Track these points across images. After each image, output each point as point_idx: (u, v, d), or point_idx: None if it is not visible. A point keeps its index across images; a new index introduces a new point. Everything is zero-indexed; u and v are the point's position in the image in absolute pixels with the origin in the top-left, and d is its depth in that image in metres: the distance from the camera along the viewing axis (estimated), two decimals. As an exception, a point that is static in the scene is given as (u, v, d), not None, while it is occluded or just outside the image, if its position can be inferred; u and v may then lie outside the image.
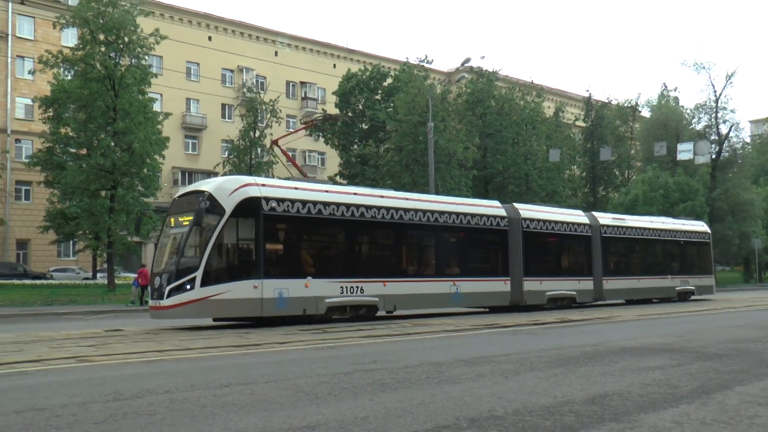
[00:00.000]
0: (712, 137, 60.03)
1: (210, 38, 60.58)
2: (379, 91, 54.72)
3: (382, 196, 20.36)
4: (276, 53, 64.82)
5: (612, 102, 69.09)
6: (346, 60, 68.04)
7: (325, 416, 5.74)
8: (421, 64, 54.20)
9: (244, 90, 53.33)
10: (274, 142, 22.91)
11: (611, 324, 17.25)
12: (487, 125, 54.34)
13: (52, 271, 48.47)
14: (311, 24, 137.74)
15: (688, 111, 62.33)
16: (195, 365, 9.74)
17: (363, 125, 55.17)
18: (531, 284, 23.72)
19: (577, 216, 27.21)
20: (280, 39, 66.10)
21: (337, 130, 55.08)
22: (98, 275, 46.09)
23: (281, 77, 62.85)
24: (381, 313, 19.62)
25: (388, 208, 19.96)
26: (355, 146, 54.81)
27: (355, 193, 19.76)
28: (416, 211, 20.71)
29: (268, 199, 17.10)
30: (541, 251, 25.39)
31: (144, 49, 37.99)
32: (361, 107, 54.38)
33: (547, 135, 58.25)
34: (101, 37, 36.76)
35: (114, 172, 35.86)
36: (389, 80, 54.54)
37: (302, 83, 66.40)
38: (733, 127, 61.44)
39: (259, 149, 47.58)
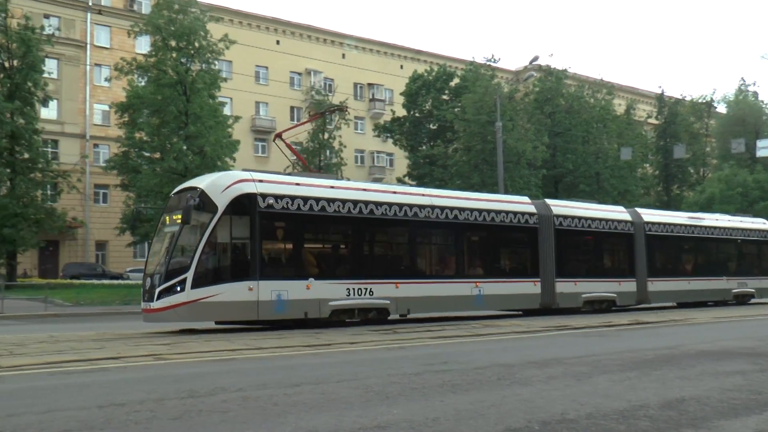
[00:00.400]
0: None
1: (278, 42, 61.30)
2: (447, 91, 54.56)
3: (395, 192, 19.38)
4: (343, 55, 65.21)
5: (686, 98, 67.44)
6: (413, 60, 68.02)
7: (395, 416, 5.74)
8: (488, 63, 53.83)
9: (312, 93, 53.81)
10: (278, 135, 22.12)
11: (686, 326, 16.82)
12: (556, 124, 53.64)
13: (128, 271, 49.74)
14: (378, 25, 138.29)
15: (768, 106, 60.45)
16: (266, 364, 9.86)
17: (431, 125, 55.09)
18: (564, 286, 22.29)
19: (617, 213, 25.56)
20: (348, 41, 66.48)
21: (405, 131, 55.12)
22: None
23: (349, 79, 63.19)
24: (394, 316, 18.60)
25: (401, 205, 18.79)
26: (423, 147, 54.73)
27: (365, 189, 18.80)
28: (433, 207, 19.50)
29: (265, 196, 16.18)
30: (576, 250, 24.02)
31: (214, 54, 38.73)
32: (428, 107, 54.30)
33: (618, 133, 57.16)
34: (173, 43, 37.62)
35: (186, 175, 36.53)
36: (456, 80, 54.31)
37: (370, 85, 66.63)
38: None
39: (327, 151, 47.93)
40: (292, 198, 16.65)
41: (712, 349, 11.09)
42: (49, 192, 41.73)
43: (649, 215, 26.81)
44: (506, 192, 37.05)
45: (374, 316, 17.93)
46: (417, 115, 54.61)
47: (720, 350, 10.86)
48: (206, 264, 15.45)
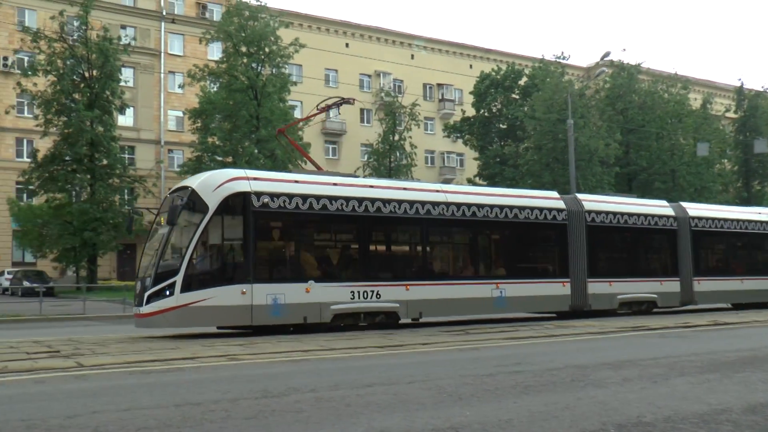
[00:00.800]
0: None
1: (347, 45, 61.72)
2: (516, 90, 54.09)
3: (405, 189, 18.03)
4: (412, 56, 65.27)
5: (767, 91, 65.26)
6: (482, 60, 67.63)
7: (468, 418, 5.71)
8: (558, 60, 53.15)
9: (382, 94, 54.00)
10: (280, 131, 21.34)
11: (769, 326, 16.27)
12: (629, 120, 52.56)
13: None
14: (447, 25, 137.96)
15: None
16: (339, 365, 9.93)
17: (500, 125, 54.69)
18: (597, 286, 20.75)
19: (658, 207, 23.72)
20: (416, 42, 66.51)
21: (475, 131, 54.87)
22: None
23: (418, 80, 63.22)
24: (405, 320, 17.47)
25: (412, 202, 17.54)
26: (494, 146, 54.36)
27: (371, 186, 17.76)
28: (448, 204, 18.16)
29: (259, 194, 15.25)
30: (611, 248, 22.57)
31: (284, 58, 39.25)
32: (498, 106, 53.92)
33: (694, 128, 55.67)
34: (243, 49, 38.29)
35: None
36: (525, 78, 53.80)
37: (439, 85, 66.51)
38: None
39: (398, 152, 48.05)
40: (290, 196, 15.71)
41: (797, 350, 10.71)
42: (126, 197, 42.92)
43: (696, 210, 25.02)
44: (578, 191, 36.48)
45: (382, 321, 16.87)
46: (486, 114, 54.30)
47: (805, 352, 10.48)
48: (196, 267, 14.77)
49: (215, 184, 15.18)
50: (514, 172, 49.64)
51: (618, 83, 54.46)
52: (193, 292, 14.40)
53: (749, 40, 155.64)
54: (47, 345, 12.60)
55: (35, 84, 33.37)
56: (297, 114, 47.80)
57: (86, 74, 34.09)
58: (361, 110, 62.39)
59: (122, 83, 38.48)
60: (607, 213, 21.62)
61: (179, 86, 49.11)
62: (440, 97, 66.86)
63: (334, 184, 16.75)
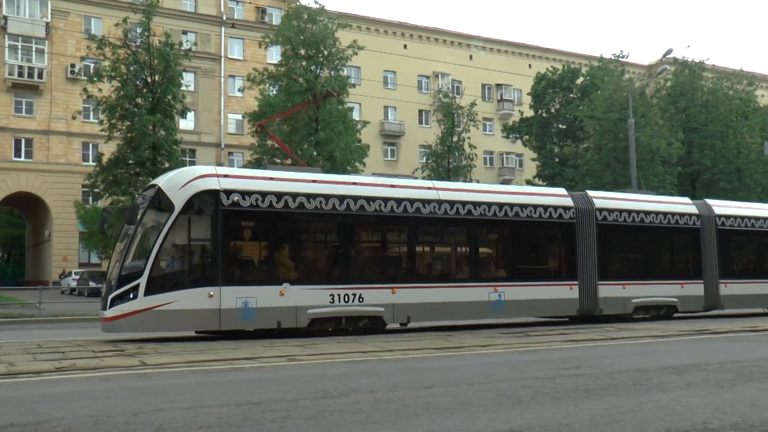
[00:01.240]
0: None
1: (405, 46, 61.76)
2: (574, 90, 53.43)
3: (393, 186, 17.04)
4: (471, 57, 65.00)
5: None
6: (541, 59, 66.97)
7: (528, 421, 5.66)
8: (617, 59, 52.28)
9: (440, 95, 53.92)
10: (261, 125, 20.49)
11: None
12: (692, 119, 51.37)
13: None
14: (505, 25, 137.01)
15: None
16: (397, 366, 9.95)
17: (559, 125, 54.08)
18: (609, 289, 19.44)
19: (680, 205, 22.18)
20: (475, 42, 66.22)
21: (534, 131, 54.37)
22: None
23: (477, 80, 62.94)
24: (394, 325, 16.48)
25: (399, 200, 16.52)
26: (552, 146, 53.74)
27: (354, 183, 16.75)
28: (440, 202, 17.05)
29: (229, 192, 14.45)
30: (625, 248, 21.20)
31: (342, 60, 39.46)
32: (557, 106, 53.32)
33: (761, 126, 54.10)
34: (302, 52, 38.59)
35: (317, 181, 37.34)
36: (582, 78, 53.08)
37: (498, 85, 66.09)
38: None
39: (457, 153, 47.91)
40: (263, 194, 14.85)
41: None
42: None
43: (723, 207, 23.26)
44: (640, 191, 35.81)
45: (367, 326, 15.89)
46: (544, 115, 53.76)
47: None
48: (162, 268, 14.16)
49: (182, 181, 14.49)
50: (573, 173, 48.99)
51: (680, 81, 53.29)
52: (157, 295, 13.70)
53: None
54: (113, 344, 12.91)
55: (100, 90, 34.14)
56: (356, 116, 47.96)
57: (149, 79, 34.73)
58: (420, 111, 62.37)
59: (183, 88, 39.06)
60: (621, 211, 20.35)
61: (239, 90, 49.80)
62: (499, 98, 66.44)
63: (313, 181, 15.84)
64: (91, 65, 41.93)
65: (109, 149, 36.93)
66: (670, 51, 41.85)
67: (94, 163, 40.02)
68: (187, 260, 14.53)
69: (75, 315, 24.40)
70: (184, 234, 14.32)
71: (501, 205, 18.08)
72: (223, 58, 53.94)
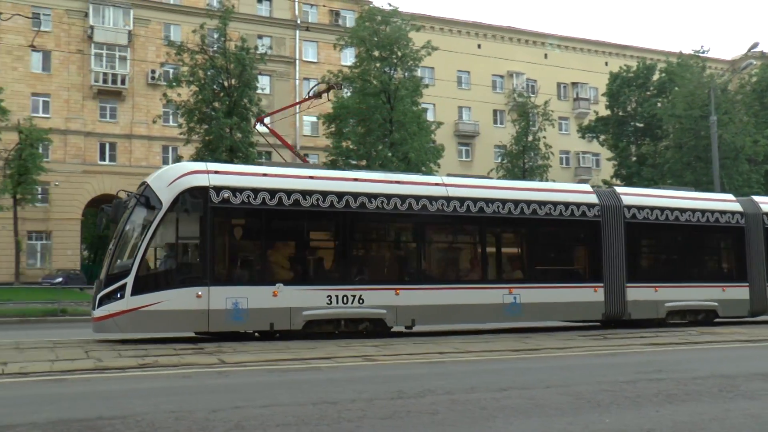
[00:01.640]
0: None
1: (479, 46, 61.38)
2: (651, 87, 52.18)
3: (398, 182, 16.09)
4: (546, 55, 64.19)
5: None
6: (617, 56, 65.63)
7: (607, 426, 5.54)
8: (698, 54, 50.83)
9: (515, 95, 53.46)
10: (259, 120, 19.69)
11: None
12: (779, 115, 49.53)
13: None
14: (580, 22, 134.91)
15: None
16: (474, 368, 9.88)
17: (637, 123, 52.87)
18: (639, 292, 18.06)
19: (722, 202, 20.60)
20: (550, 41, 65.38)
21: (611, 130, 53.32)
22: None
23: (552, 79, 62.12)
24: (398, 328, 15.58)
25: (404, 197, 15.67)
26: (629, 145, 52.56)
27: (355, 179, 15.88)
28: (449, 199, 16.15)
29: (219, 189, 13.95)
30: (657, 248, 20.01)
31: (416, 61, 39.51)
32: (633, 105, 52.16)
33: None
34: (376, 53, 38.78)
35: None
36: (659, 74, 51.76)
37: (573, 84, 65.11)
38: None
39: (532, 153, 47.42)
40: (255, 191, 14.26)
41: None
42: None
43: None
44: (723, 191, 34.71)
45: (368, 329, 15.12)
46: (621, 114, 52.66)
47: None
48: (149, 268, 13.79)
49: (171, 178, 14.06)
50: (652, 172, 47.85)
51: (766, 75, 51.46)
52: (144, 295, 13.32)
53: None
54: (193, 342, 13.19)
55: (179, 94, 34.98)
56: (430, 117, 47.92)
57: (225, 83, 35.42)
58: (494, 111, 61.92)
59: (259, 91, 39.76)
60: (652, 208, 18.92)
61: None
62: (575, 96, 65.42)
63: (310, 178, 15.15)
64: (171, 71, 43.02)
65: (187, 152, 37.80)
66: (756, 45, 40.41)
67: (173, 166, 40.98)
68: (175, 259, 14.11)
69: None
70: (172, 232, 13.93)
71: (516, 202, 17.06)
72: (297, 61, 54.60)
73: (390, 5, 40.23)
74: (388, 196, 15.55)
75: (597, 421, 5.70)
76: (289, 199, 14.53)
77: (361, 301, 14.91)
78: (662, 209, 19.07)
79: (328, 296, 14.61)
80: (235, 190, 14.08)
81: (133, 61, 48.34)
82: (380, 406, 6.46)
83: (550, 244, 18.38)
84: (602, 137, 54.56)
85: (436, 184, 16.50)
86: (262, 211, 14.41)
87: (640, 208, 18.74)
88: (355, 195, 15.23)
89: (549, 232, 18.00)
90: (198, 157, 35.77)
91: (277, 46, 52.63)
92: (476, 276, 16.82)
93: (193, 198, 13.87)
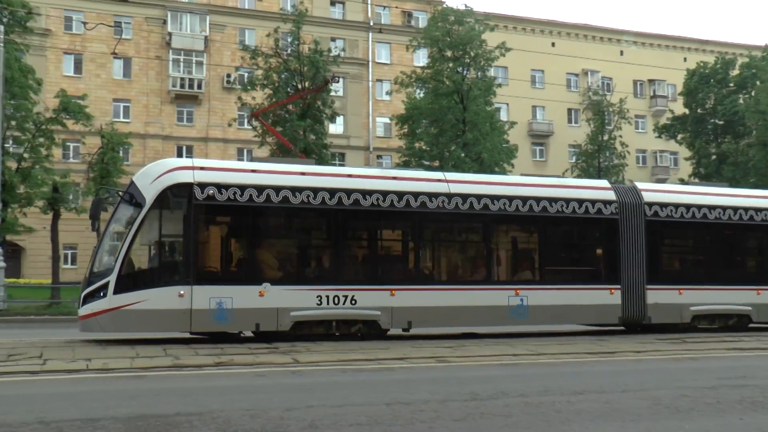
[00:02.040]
0: None
1: (553, 44, 60.61)
2: (730, 83, 50.57)
3: (395, 178, 15.46)
4: (621, 52, 62.94)
5: None
6: (697, 52, 63.87)
7: (688, 432, 5.39)
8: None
9: (590, 93, 52.60)
10: (254, 115, 19.03)
11: None
12: None
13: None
14: (657, 18, 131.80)
15: None
16: (548, 370, 9.76)
17: (716, 120, 51.34)
18: (660, 295, 16.86)
19: (753, 198, 19.16)
20: (626, 37, 64.09)
21: (689, 128, 51.94)
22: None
23: (628, 77, 60.84)
24: (395, 330, 14.95)
25: (401, 193, 15.00)
26: (708, 143, 51.10)
27: (349, 175, 15.40)
28: (451, 196, 15.42)
29: (204, 186, 13.58)
30: (682, 248, 18.85)
31: (489, 61, 39.29)
32: (712, 102, 50.66)
33: None
34: (449, 53, 38.70)
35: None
36: (739, 69, 50.11)
37: (650, 81, 63.65)
38: None
39: (608, 152, 46.60)
40: (242, 187, 13.85)
41: None
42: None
43: None
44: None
45: (361, 331, 14.51)
46: (699, 111, 51.21)
47: None
48: (132, 266, 13.50)
49: (154, 175, 13.79)
50: (734, 171, 46.40)
51: None
52: (126, 294, 13.11)
53: None
54: (267, 342, 13.36)
55: (253, 98, 35.55)
56: (503, 116, 47.52)
57: (299, 86, 35.85)
58: (569, 110, 61.06)
59: (332, 93, 40.07)
60: (677, 205, 17.66)
61: (386, 93, 50.53)
62: (652, 94, 63.95)
63: (301, 174, 14.69)
64: (245, 74, 43.75)
65: (262, 154, 38.31)
66: None
67: (249, 168, 41.63)
68: (157, 258, 13.82)
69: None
70: (155, 230, 13.66)
71: (525, 199, 16.16)
72: (370, 63, 54.88)
73: (465, 5, 40.15)
74: (384, 193, 14.96)
75: (676, 428, 5.55)
76: (277, 195, 14.12)
77: (353, 301, 14.37)
78: (688, 206, 17.84)
79: (318, 296, 14.14)
80: (220, 187, 13.75)
81: (209, 66, 49.39)
82: (454, 407, 6.42)
83: (561, 244, 17.58)
84: (680, 136, 53.27)
85: (438, 180, 15.90)
86: (249, 209, 14.10)
87: (664, 205, 17.57)
88: (349, 192, 14.70)
89: (560, 230, 17.19)
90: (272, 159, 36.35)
91: (350, 48, 53.00)
92: (479, 276, 16.09)
93: (177, 195, 13.61)
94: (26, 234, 35.50)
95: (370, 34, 55.04)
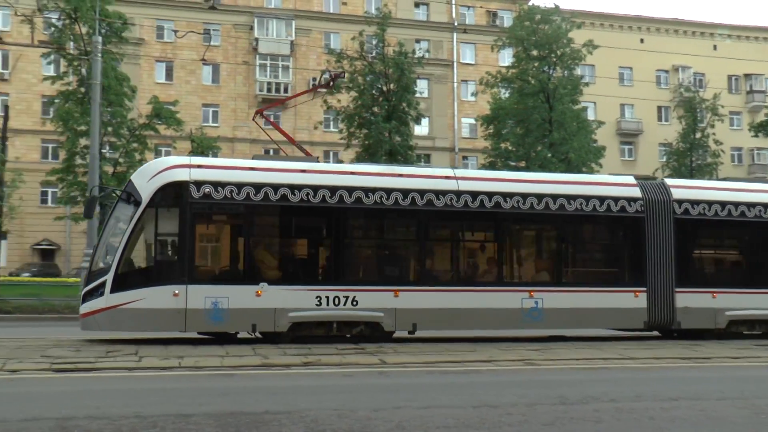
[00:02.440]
0: None
1: (642, 40, 59.17)
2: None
3: (401, 175, 14.94)
4: (715, 47, 60.94)
5: None
6: (798, 44, 61.37)
7: (791, 442, 5.15)
8: None
9: (681, 90, 51.10)
10: (258, 112, 18.41)
11: None
12: None
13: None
14: (754, 10, 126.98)
15: None
16: (639, 375, 9.53)
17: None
18: (691, 298, 15.68)
19: None
20: (719, 31, 62.01)
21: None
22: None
23: (722, 72, 58.87)
24: (401, 333, 14.37)
25: (406, 191, 14.45)
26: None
27: (352, 173, 14.90)
28: (459, 194, 14.76)
29: (200, 184, 13.43)
30: (717, 249, 17.63)
31: (576, 60, 38.64)
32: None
33: None
34: (534, 53, 38.24)
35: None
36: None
37: (746, 76, 61.41)
38: None
39: (700, 150, 45.21)
40: (239, 186, 13.63)
41: None
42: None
43: None
44: None
45: (364, 333, 14.03)
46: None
47: None
48: (128, 265, 13.47)
49: (151, 173, 13.77)
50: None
51: None
52: (123, 293, 13.10)
53: None
54: (354, 342, 13.45)
55: (339, 101, 35.91)
56: (590, 115, 46.61)
57: (384, 88, 36.00)
58: (659, 108, 59.50)
59: (418, 94, 40.11)
60: (710, 203, 16.38)
61: (472, 94, 50.29)
62: (748, 89, 61.68)
63: (302, 171, 14.30)
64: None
65: (348, 156, 38.78)
66: None
67: (335, 171, 42.05)
68: (153, 256, 13.77)
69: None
70: (151, 229, 13.64)
71: (540, 197, 15.28)
72: (455, 64, 54.71)
73: (552, 4, 39.65)
74: (388, 191, 14.43)
75: (779, 437, 5.33)
76: (276, 193, 13.84)
77: (354, 302, 13.95)
78: (723, 204, 16.49)
79: (317, 297, 13.79)
80: (217, 185, 13.58)
81: (295, 70, 50.17)
82: (542, 411, 6.33)
83: (580, 244, 16.82)
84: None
85: (446, 177, 15.18)
86: (246, 207, 13.89)
87: (695, 202, 16.33)
88: (350, 189, 14.27)
89: (580, 229, 16.41)
90: (358, 161, 36.64)
91: (434, 49, 52.92)
92: (490, 278, 15.35)
93: (173, 193, 13.55)
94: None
95: (455, 34, 54.87)
